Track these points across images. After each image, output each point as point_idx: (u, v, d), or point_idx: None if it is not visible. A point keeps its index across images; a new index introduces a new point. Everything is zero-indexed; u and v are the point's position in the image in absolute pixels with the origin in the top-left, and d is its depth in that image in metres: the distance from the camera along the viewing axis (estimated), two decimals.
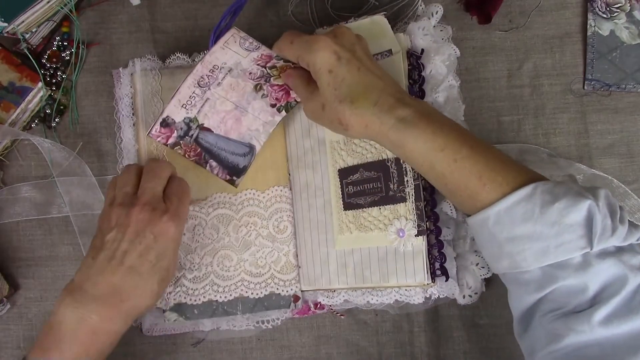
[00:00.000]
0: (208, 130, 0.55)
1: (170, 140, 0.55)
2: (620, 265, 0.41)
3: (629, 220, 0.44)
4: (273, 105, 0.55)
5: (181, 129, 0.55)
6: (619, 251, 0.42)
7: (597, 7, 0.62)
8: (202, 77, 0.55)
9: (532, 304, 0.44)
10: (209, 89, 0.55)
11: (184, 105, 0.55)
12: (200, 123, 0.55)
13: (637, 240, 0.44)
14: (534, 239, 0.42)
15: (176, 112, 0.55)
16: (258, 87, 0.55)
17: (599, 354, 0.40)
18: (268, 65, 0.55)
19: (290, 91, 0.55)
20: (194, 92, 0.55)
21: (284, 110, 0.55)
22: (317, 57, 0.47)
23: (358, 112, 0.46)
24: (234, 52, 0.55)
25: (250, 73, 0.55)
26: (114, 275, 0.47)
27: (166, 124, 0.55)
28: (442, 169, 0.45)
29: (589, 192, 0.43)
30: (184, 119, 0.55)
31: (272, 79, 0.55)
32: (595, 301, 0.41)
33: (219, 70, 0.55)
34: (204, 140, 0.55)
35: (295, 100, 0.55)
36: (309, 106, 0.50)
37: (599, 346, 0.40)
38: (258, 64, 0.55)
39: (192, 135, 0.55)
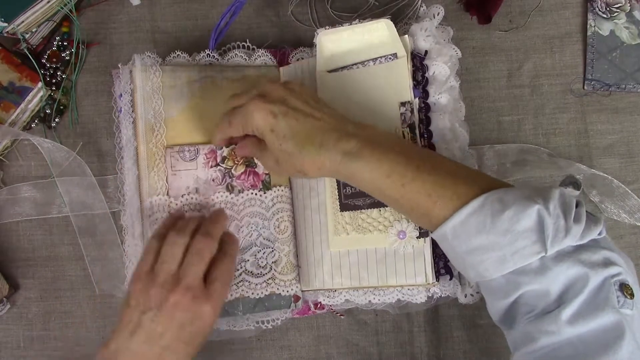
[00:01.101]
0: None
1: None
2: (578, 265, 0.41)
3: (589, 214, 0.44)
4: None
5: None
6: (577, 250, 0.42)
7: (597, 7, 0.63)
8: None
9: (505, 308, 0.45)
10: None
11: None
12: None
13: (599, 234, 0.44)
14: (490, 249, 0.43)
15: None
16: (230, 187, 0.56)
17: (572, 354, 0.40)
18: (219, 161, 0.56)
19: (255, 169, 0.57)
20: None
21: (266, 190, 0.57)
22: (255, 121, 0.48)
23: (308, 158, 0.47)
24: (185, 171, 0.56)
25: (213, 180, 0.56)
26: (150, 353, 0.48)
27: None
28: (392, 193, 0.46)
29: (540, 196, 0.43)
30: None
31: (232, 171, 0.56)
32: (561, 302, 0.41)
33: (188, 195, 0.55)
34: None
35: (265, 173, 0.57)
36: (266, 164, 0.52)
37: (571, 346, 0.40)
38: (212, 167, 0.56)
39: None
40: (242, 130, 0.51)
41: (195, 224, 0.51)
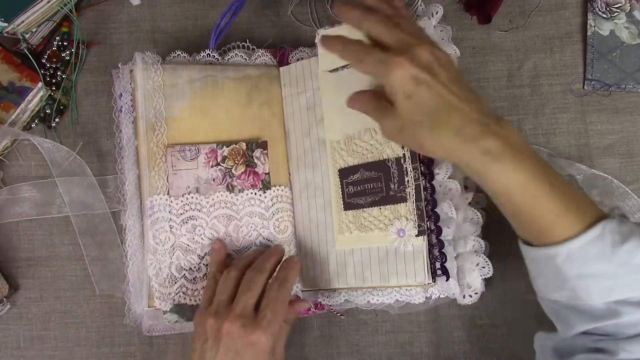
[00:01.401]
0: None
1: None
2: None
3: None
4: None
5: None
6: None
7: (597, 7, 0.63)
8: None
9: (590, 328, 0.45)
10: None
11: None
12: None
13: None
14: (604, 277, 0.43)
15: None
16: (230, 187, 0.57)
17: None
18: (219, 160, 0.56)
19: (255, 169, 0.57)
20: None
21: (266, 190, 0.57)
22: (392, 80, 0.44)
23: (439, 140, 0.43)
24: (186, 170, 0.56)
25: (213, 180, 0.56)
26: None
27: None
28: (519, 203, 0.44)
29: None
30: None
31: (232, 170, 0.57)
32: None
33: (189, 195, 0.56)
34: None
35: (265, 173, 0.57)
36: (385, 127, 0.47)
37: None
38: (212, 167, 0.56)
39: None
40: (368, 72, 0.46)
41: (249, 260, 0.53)
